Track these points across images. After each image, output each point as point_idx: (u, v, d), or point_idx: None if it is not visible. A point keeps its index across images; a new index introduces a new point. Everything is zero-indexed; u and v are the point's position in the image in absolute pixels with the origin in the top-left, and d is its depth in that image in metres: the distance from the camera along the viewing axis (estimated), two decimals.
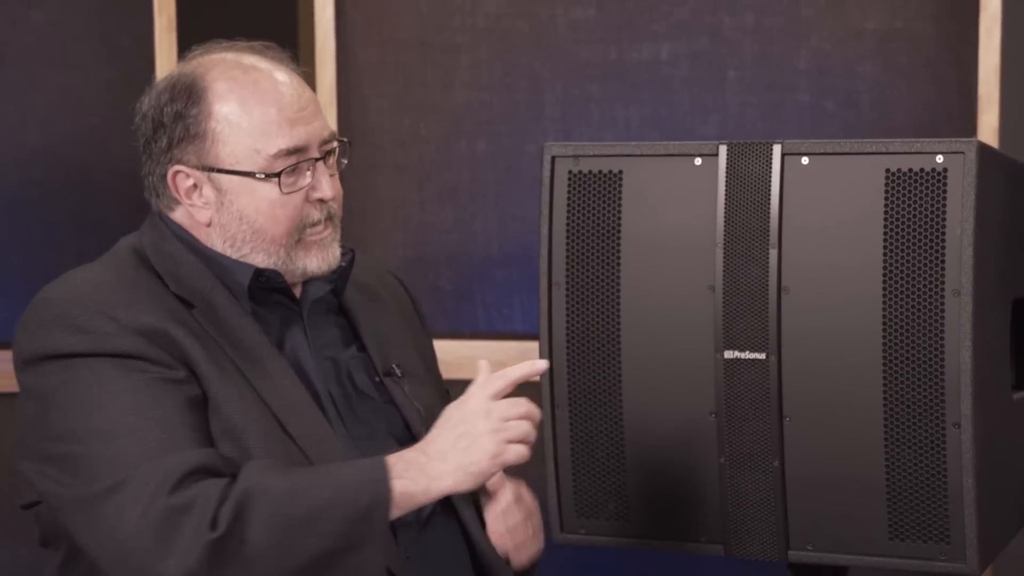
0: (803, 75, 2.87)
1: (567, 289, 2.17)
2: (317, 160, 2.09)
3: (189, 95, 2.07)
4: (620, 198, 2.14)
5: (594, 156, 2.16)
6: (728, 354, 2.09)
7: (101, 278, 2.04)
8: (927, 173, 2.00)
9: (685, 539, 2.16)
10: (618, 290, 2.14)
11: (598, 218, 2.15)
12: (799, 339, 2.05)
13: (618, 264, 2.14)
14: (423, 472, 1.95)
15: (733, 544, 2.13)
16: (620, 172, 2.15)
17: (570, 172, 2.17)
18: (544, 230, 2.17)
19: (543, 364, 2.05)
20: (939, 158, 1.99)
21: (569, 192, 2.17)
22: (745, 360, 2.08)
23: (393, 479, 1.92)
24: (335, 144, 2.13)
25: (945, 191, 1.98)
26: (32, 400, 1.98)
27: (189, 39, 3.08)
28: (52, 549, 2.06)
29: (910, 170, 2.00)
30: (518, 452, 1.99)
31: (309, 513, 1.88)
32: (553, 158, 2.18)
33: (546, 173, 2.18)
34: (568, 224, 2.17)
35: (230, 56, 2.12)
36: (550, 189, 2.17)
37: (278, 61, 2.13)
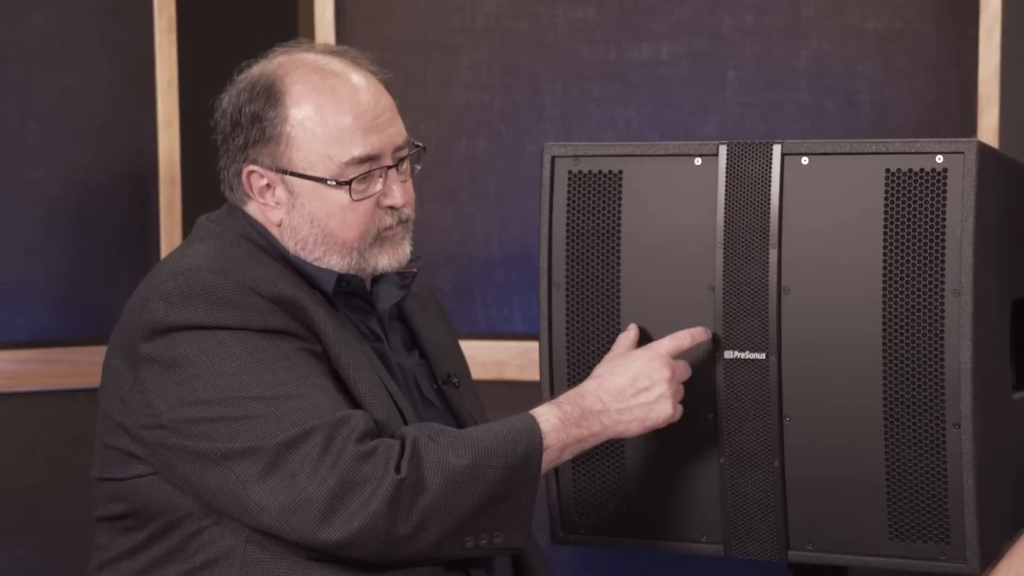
0: (803, 75, 2.87)
1: (567, 289, 2.17)
2: (390, 167, 2.10)
3: (267, 97, 2.08)
4: (620, 198, 2.14)
5: (594, 156, 2.16)
6: (728, 354, 2.09)
7: (232, 251, 2.05)
8: (927, 173, 2.00)
9: (685, 539, 2.16)
10: (618, 290, 2.14)
11: (598, 218, 2.15)
12: (799, 339, 2.05)
13: (618, 264, 2.14)
14: (599, 420, 2.04)
15: (733, 544, 2.13)
16: (620, 172, 2.15)
17: (570, 172, 2.17)
18: (544, 230, 2.17)
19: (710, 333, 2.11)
20: (939, 158, 1.99)
21: (569, 192, 2.17)
22: (745, 360, 2.08)
23: (570, 427, 2.01)
24: (407, 152, 2.14)
25: (945, 191, 1.98)
26: (159, 368, 1.98)
27: (189, 39, 3.09)
28: (130, 527, 2.05)
29: (910, 170, 2.00)
30: (681, 412, 2.09)
31: (473, 461, 1.93)
32: (553, 158, 2.18)
33: (546, 173, 2.18)
34: (568, 224, 2.17)
35: (310, 58, 2.12)
36: (550, 189, 2.17)
37: (358, 65, 2.13)
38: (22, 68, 2.96)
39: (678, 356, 2.08)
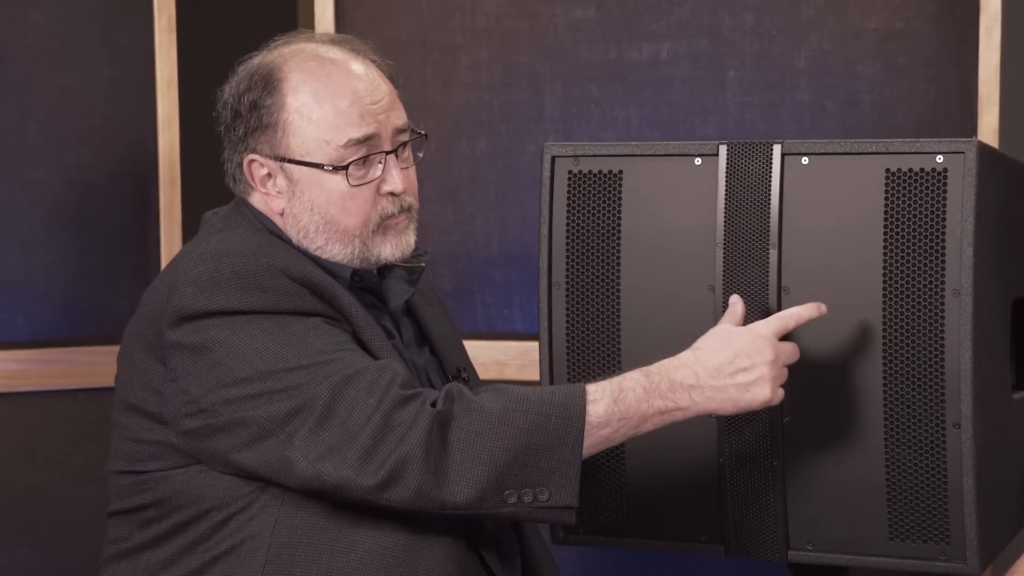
0: (803, 75, 2.87)
1: (567, 289, 2.17)
2: (388, 153, 2.10)
3: (265, 85, 2.09)
4: (620, 198, 2.14)
5: (594, 156, 2.16)
6: None
7: (257, 238, 2.05)
8: (927, 173, 2.00)
9: (685, 539, 2.16)
10: (618, 290, 2.14)
11: (598, 218, 2.15)
12: (799, 339, 2.05)
13: (618, 264, 2.14)
14: (688, 394, 1.96)
15: (733, 544, 2.13)
16: (620, 172, 2.15)
17: (570, 172, 2.17)
18: (544, 230, 2.17)
19: (824, 307, 2.03)
20: (939, 158, 1.99)
21: (569, 192, 2.17)
22: None
23: (654, 398, 1.95)
24: (407, 136, 2.13)
25: (945, 191, 1.98)
26: (188, 355, 1.97)
27: (189, 39, 3.09)
28: (153, 519, 2.04)
29: (910, 170, 2.01)
30: (782, 397, 2.01)
31: (504, 406, 1.91)
32: (553, 158, 2.18)
33: (546, 173, 2.18)
34: (568, 224, 2.17)
35: (309, 47, 2.13)
36: (550, 189, 2.17)
37: (357, 52, 2.14)
38: (22, 68, 2.95)
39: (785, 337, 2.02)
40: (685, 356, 1.99)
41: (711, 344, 1.99)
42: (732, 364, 1.97)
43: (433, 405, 1.90)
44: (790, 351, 2.01)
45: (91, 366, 2.93)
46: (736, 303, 2.06)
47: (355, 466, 1.89)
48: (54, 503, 3.00)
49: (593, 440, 1.94)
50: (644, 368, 1.98)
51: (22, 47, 2.95)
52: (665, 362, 1.99)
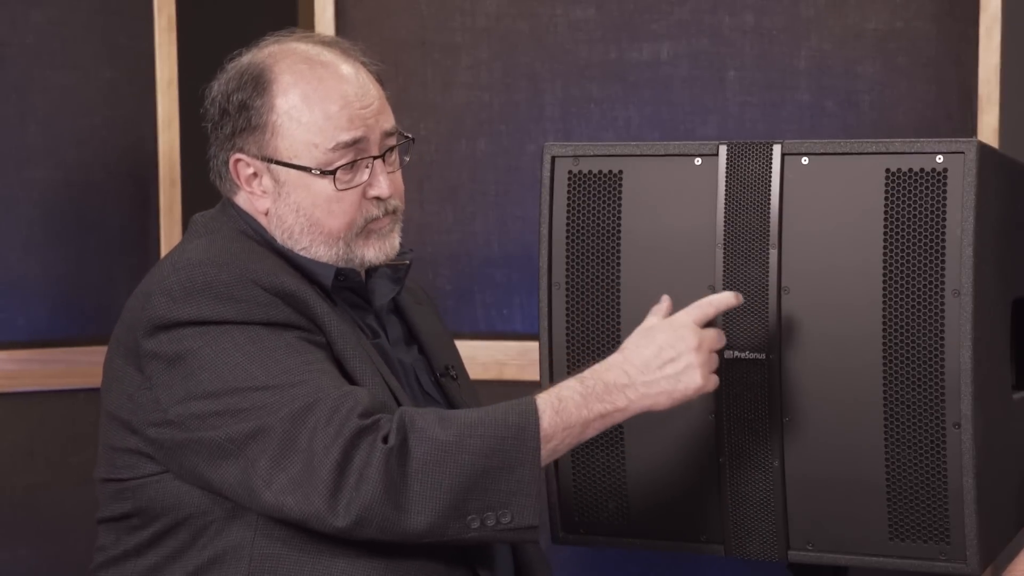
0: (803, 75, 2.87)
1: (567, 289, 2.17)
2: (376, 158, 2.10)
3: (255, 86, 2.09)
4: (620, 198, 2.15)
5: (594, 156, 2.16)
6: (728, 354, 2.09)
7: (232, 246, 2.05)
8: (927, 173, 2.00)
9: (685, 539, 2.17)
10: (618, 290, 2.14)
11: (598, 218, 2.15)
12: (799, 339, 2.05)
13: (618, 264, 2.14)
14: (624, 394, 1.97)
15: (733, 544, 2.13)
16: (620, 172, 2.15)
17: (570, 172, 2.17)
18: (544, 230, 2.18)
19: (741, 297, 2.05)
20: (939, 158, 1.99)
21: (569, 192, 2.17)
22: (745, 360, 2.08)
23: (592, 402, 1.96)
24: (395, 140, 2.13)
25: (945, 191, 1.98)
26: (163, 364, 1.97)
27: (189, 39, 3.09)
28: (137, 526, 2.05)
29: (910, 170, 2.01)
30: (716, 383, 2.01)
31: (458, 432, 1.90)
32: (553, 158, 2.18)
33: (546, 173, 2.18)
34: (568, 224, 2.17)
35: (300, 47, 2.13)
36: (550, 189, 2.18)
37: (347, 54, 2.14)
38: (22, 68, 2.95)
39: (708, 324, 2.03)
40: (614, 358, 2.00)
41: (636, 342, 2.00)
42: (658, 357, 1.98)
43: (386, 440, 1.89)
44: (714, 337, 2.01)
45: (91, 366, 2.92)
46: (664, 300, 2.05)
47: (323, 506, 1.88)
48: (54, 503, 3.00)
49: (543, 456, 1.95)
50: (578, 375, 1.99)
51: (22, 47, 2.95)
52: (596, 367, 2.00)
